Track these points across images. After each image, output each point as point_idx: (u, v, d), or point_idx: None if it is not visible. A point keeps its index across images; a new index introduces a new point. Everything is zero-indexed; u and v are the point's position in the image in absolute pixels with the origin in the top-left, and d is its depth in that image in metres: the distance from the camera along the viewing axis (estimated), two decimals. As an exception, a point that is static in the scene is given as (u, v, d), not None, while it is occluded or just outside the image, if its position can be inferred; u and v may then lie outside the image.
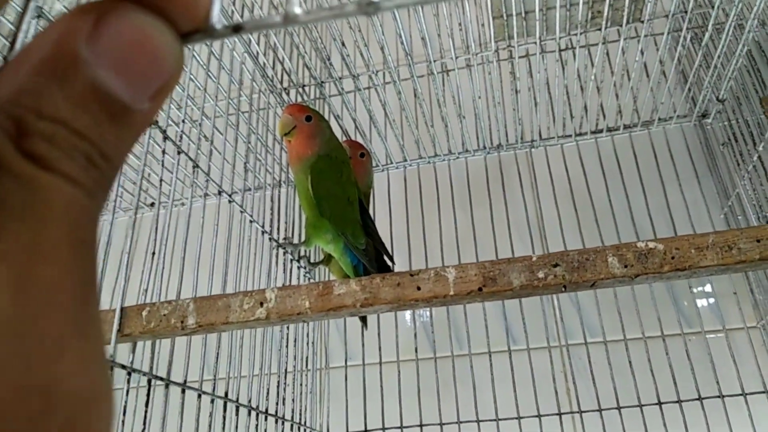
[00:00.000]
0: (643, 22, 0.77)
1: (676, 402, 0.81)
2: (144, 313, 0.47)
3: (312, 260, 0.95)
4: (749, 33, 0.79)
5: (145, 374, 0.49)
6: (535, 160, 1.05)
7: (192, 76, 0.73)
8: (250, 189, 0.83)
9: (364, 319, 0.87)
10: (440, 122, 0.98)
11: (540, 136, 1.03)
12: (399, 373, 0.92)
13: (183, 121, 0.63)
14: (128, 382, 0.47)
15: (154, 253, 0.53)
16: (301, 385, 0.86)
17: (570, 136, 1.03)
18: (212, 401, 0.59)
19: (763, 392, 0.81)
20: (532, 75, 0.94)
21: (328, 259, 0.86)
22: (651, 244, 0.39)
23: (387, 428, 0.88)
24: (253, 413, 0.68)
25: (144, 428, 0.49)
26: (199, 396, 0.57)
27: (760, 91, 0.82)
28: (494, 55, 0.83)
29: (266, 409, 0.71)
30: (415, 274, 0.42)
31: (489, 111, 1.00)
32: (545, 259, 0.40)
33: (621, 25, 0.76)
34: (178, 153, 0.60)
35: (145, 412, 0.49)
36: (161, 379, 0.51)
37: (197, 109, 0.91)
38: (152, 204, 1.20)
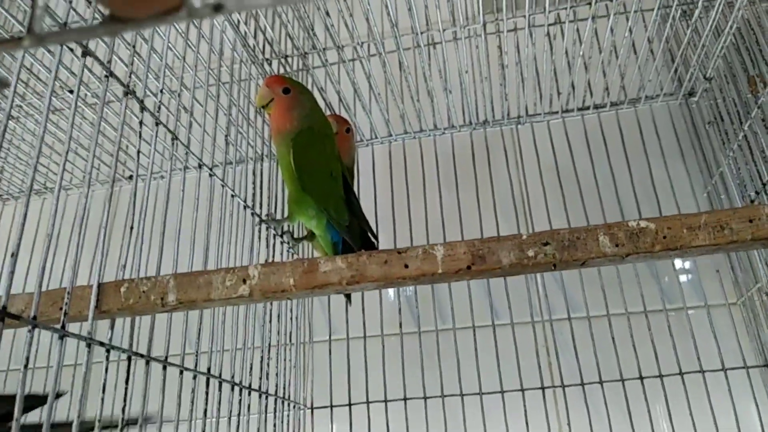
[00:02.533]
0: (633, -4, 0.75)
1: (657, 377, 0.82)
2: (122, 290, 0.45)
3: (295, 236, 0.94)
4: (738, 11, 0.78)
5: (124, 351, 0.48)
6: (521, 137, 1.04)
7: (171, 45, 0.71)
8: (231, 162, 0.81)
9: (348, 295, 0.86)
10: (426, 96, 0.97)
11: (527, 112, 1.02)
12: (383, 347, 0.92)
13: (161, 92, 0.61)
14: (107, 359, 0.46)
15: (132, 228, 0.51)
16: (284, 359, 0.85)
17: (557, 112, 1.02)
18: (194, 377, 0.58)
19: (743, 367, 0.82)
20: (520, 50, 0.92)
21: (311, 236, 0.84)
22: (642, 224, 0.38)
23: (371, 402, 0.89)
24: (236, 388, 0.67)
25: (124, 405, 0.48)
26: (181, 372, 0.56)
27: (749, 70, 0.82)
28: (482, 29, 0.82)
29: (249, 384, 0.70)
30: (402, 252, 0.42)
31: (476, 86, 0.99)
32: (535, 237, 0.40)
33: (611, 0, 0.75)
34: (156, 124, 0.58)
35: (125, 389, 0.48)
36: (141, 355, 0.50)
37: (176, 79, 0.88)
38: (130, 177, 1.18)
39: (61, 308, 0.44)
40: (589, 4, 0.77)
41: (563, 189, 0.96)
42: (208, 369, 0.60)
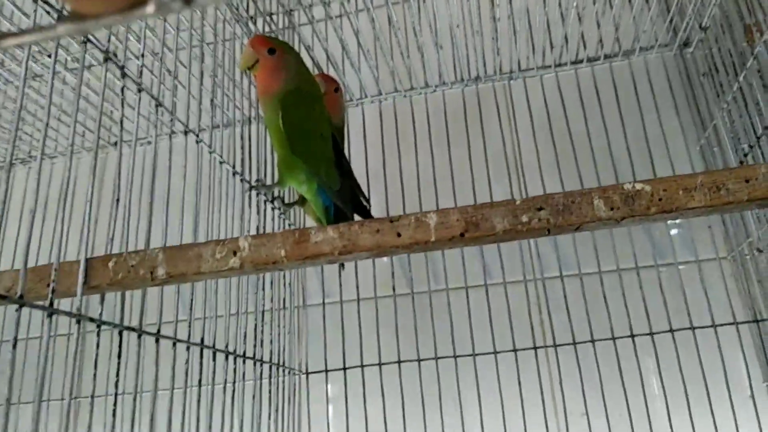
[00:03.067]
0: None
1: (648, 334, 0.83)
2: (111, 264, 0.44)
3: (286, 201, 0.93)
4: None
5: (116, 326, 0.47)
6: (513, 93, 1.02)
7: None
8: (218, 126, 0.79)
9: None
10: (416, 53, 0.94)
11: (519, 67, 1.00)
12: (377, 309, 0.92)
13: (143, 55, 0.59)
14: (98, 335, 0.46)
15: (117, 200, 0.50)
16: (279, 326, 0.85)
17: (549, 66, 1.00)
18: (188, 348, 0.58)
19: (732, 323, 0.83)
20: (512, 1, 0.89)
21: (302, 200, 0.83)
22: (638, 186, 0.38)
23: (366, 365, 0.89)
24: (231, 357, 0.67)
25: (117, 380, 0.48)
26: (174, 344, 0.55)
27: (746, 18, 0.80)
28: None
29: (244, 352, 0.71)
30: (395, 220, 0.41)
31: (467, 40, 0.96)
32: (529, 202, 0.39)
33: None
34: (139, 91, 0.56)
35: (118, 364, 0.48)
36: (133, 329, 0.49)
37: (158, 40, 0.85)
38: (116, 143, 1.15)
39: (48, 285, 0.43)
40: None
41: (556, 146, 0.95)
42: (202, 339, 0.60)
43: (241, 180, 0.77)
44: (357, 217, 0.81)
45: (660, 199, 0.37)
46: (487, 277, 0.93)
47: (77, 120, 1.04)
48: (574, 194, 0.38)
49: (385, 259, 1.00)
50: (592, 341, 0.85)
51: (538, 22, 0.89)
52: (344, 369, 0.89)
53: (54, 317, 0.41)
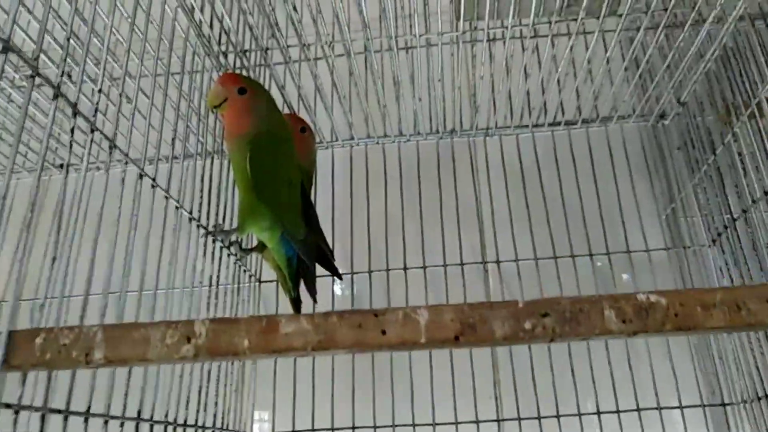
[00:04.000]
0: (620, 15, 0.71)
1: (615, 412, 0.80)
2: (38, 341, 0.37)
3: (243, 246, 0.87)
4: (723, 38, 0.75)
5: (38, 410, 0.40)
6: (489, 149, 0.99)
7: (114, 29, 0.62)
8: (176, 158, 0.72)
9: (295, 301, 0.78)
10: (393, 101, 0.91)
11: (496, 124, 0.98)
12: (332, 364, 0.86)
13: (100, 91, 0.52)
14: (15, 423, 0.38)
15: (54, 259, 0.43)
16: (225, 384, 0.78)
17: (527, 126, 0.98)
18: (122, 424, 0.51)
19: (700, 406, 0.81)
20: (496, 61, 0.87)
21: (261, 247, 0.77)
22: (653, 298, 0.34)
23: (317, 430, 0.83)
24: (170, 428, 0.60)
25: (36, 473, 0.40)
26: (106, 422, 0.48)
27: (727, 98, 0.80)
28: (460, 37, 0.76)
29: (185, 421, 0.63)
30: (379, 315, 0.36)
31: (444, 94, 0.93)
32: (533, 306, 0.35)
33: (597, 18, 0.71)
34: (92, 131, 0.50)
35: (39, 452, 0.40)
36: (58, 411, 0.42)
37: (118, 66, 0.79)
38: (61, 165, 1.06)
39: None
40: (575, 19, 0.72)
41: (529, 206, 0.93)
42: (139, 412, 0.53)
43: (198, 226, 0.71)
44: (319, 268, 0.75)
45: (676, 315, 0.34)
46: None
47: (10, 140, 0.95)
48: (582, 301, 0.34)
49: (339, 293, 0.94)
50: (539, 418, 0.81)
51: (519, 83, 0.87)
52: (294, 433, 0.82)
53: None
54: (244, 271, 0.88)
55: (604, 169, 0.95)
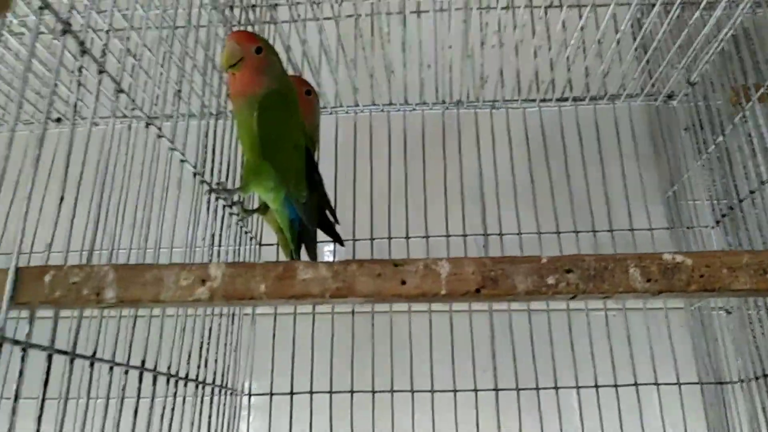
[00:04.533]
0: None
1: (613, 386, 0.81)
2: (47, 278, 0.36)
3: (246, 207, 0.86)
4: (737, 19, 0.75)
5: (44, 349, 0.39)
6: (495, 122, 0.98)
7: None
8: (183, 116, 0.71)
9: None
10: (400, 68, 0.89)
11: (503, 98, 0.97)
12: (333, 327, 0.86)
13: (108, 32, 0.51)
14: (23, 359, 0.37)
15: (62, 198, 0.42)
16: (225, 343, 0.77)
17: (534, 100, 0.97)
18: (126, 372, 0.50)
19: (698, 383, 0.81)
20: (502, 33, 0.86)
21: (264, 209, 0.77)
22: (678, 258, 0.34)
23: (315, 392, 0.83)
24: (172, 380, 0.59)
25: (41, 414, 0.39)
26: (111, 369, 0.48)
27: (738, 79, 0.79)
28: (476, 2, 0.75)
29: (186, 375, 0.63)
30: (399, 264, 0.35)
31: (453, 63, 0.92)
32: (556, 262, 0.34)
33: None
34: (100, 72, 0.48)
35: (44, 393, 0.40)
36: (65, 353, 0.42)
37: (121, 17, 0.76)
38: (58, 119, 1.04)
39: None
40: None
41: (534, 180, 0.92)
42: (142, 362, 0.52)
43: (201, 181, 0.69)
44: (320, 233, 0.75)
45: (702, 276, 0.33)
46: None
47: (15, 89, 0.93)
48: (607, 258, 0.34)
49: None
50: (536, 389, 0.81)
51: (529, 55, 0.86)
52: (291, 394, 0.82)
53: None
54: (245, 232, 0.87)
55: (610, 146, 0.94)
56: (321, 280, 0.35)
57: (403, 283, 0.35)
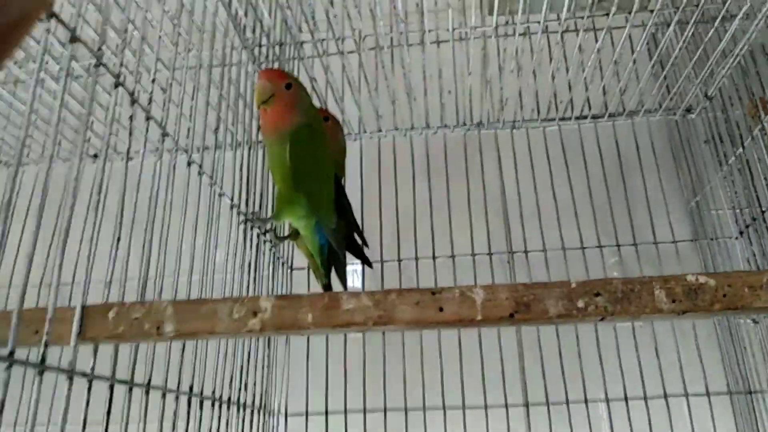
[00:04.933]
0: (652, 11, 0.72)
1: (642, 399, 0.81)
2: (111, 315, 0.40)
3: (278, 235, 0.89)
4: (752, 35, 0.76)
5: (107, 380, 0.42)
6: (516, 142, 1.01)
7: (152, 22, 0.64)
8: (218, 152, 0.74)
9: (327, 291, 0.80)
10: (422, 94, 0.92)
11: (523, 118, 0.99)
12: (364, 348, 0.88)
13: (153, 81, 0.55)
14: (89, 390, 0.40)
15: (119, 239, 0.45)
16: (263, 365, 0.80)
17: (553, 120, 0.99)
18: (176, 398, 0.53)
19: (727, 393, 0.82)
20: (526, 54, 0.88)
21: (295, 235, 0.80)
22: (702, 279, 0.36)
23: (350, 411, 0.85)
24: (217, 404, 0.62)
25: (104, 439, 0.42)
26: (164, 395, 0.50)
27: (756, 90, 0.80)
28: (493, 31, 0.77)
29: (229, 398, 0.65)
30: (437, 293, 0.38)
31: (471, 87, 0.95)
32: (585, 286, 0.36)
33: (630, 12, 0.72)
34: (147, 119, 0.52)
35: (107, 420, 0.43)
36: (125, 382, 0.45)
37: (155, 56, 0.80)
38: (95, 156, 1.09)
39: (37, 332, 0.38)
40: (606, 14, 0.73)
41: (556, 197, 0.94)
42: (190, 388, 0.55)
43: (238, 213, 0.73)
44: (349, 256, 0.78)
45: (724, 295, 0.35)
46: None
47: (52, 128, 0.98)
48: (633, 281, 0.36)
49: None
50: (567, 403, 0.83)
51: (547, 77, 0.88)
52: (326, 414, 0.84)
53: (44, 374, 0.36)
54: (278, 258, 0.91)
55: (631, 160, 0.96)
56: (364, 309, 0.38)
57: (441, 310, 0.37)
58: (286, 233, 0.86)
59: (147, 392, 0.48)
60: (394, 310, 0.37)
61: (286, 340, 0.92)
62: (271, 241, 0.85)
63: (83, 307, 0.40)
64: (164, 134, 0.55)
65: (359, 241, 0.82)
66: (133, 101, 0.49)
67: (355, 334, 0.90)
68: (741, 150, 0.83)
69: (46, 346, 0.37)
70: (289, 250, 0.97)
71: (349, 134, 1.02)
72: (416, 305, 0.37)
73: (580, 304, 0.36)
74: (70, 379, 0.38)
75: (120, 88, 0.48)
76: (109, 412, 0.43)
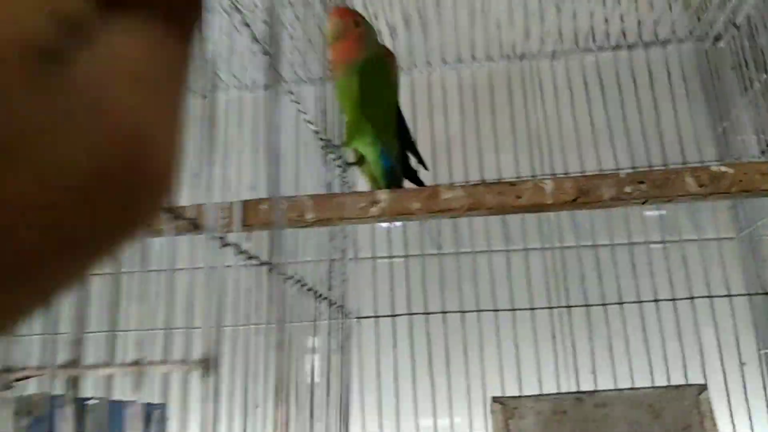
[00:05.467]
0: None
1: (653, 301, 0.94)
2: (262, 207, 0.52)
3: (347, 160, 1.01)
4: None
5: (263, 263, 0.55)
6: (556, 72, 1.10)
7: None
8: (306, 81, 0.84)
9: None
10: (466, 26, 1.01)
11: (562, 48, 1.08)
12: (407, 267, 1.01)
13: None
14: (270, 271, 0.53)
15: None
16: (340, 275, 0.94)
17: (591, 50, 1.08)
18: (300, 283, 0.66)
19: (746, 294, 0.94)
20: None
21: (361, 161, 0.91)
22: (723, 168, 0.46)
23: (414, 313, 0.99)
24: (312, 293, 0.76)
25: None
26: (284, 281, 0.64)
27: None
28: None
29: (321, 294, 0.79)
30: (514, 185, 0.49)
31: (514, 14, 1.02)
32: (632, 176, 0.47)
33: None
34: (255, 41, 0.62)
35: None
36: (267, 263, 0.57)
37: None
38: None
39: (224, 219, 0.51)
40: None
41: (593, 124, 1.04)
42: (295, 276, 0.69)
43: (320, 139, 0.84)
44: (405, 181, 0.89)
45: (740, 180, 0.46)
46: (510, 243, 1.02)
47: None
48: (669, 171, 0.47)
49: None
50: (603, 305, 0.95)
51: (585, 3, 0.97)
52: (393, 316, 0.98)
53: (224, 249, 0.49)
54: (344, 181, 1.03)
55: (663, 88, 1.04)
56: (458, 198, 0.49)
57: (518, 197, 0.49)
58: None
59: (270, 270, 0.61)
60: (483, 198, 0.49)
61: (356, 256, 1.06)
62: (341, 166, 0.97)
63: (243, 202, 0.52)
64: (272, 65, 0.66)
65: (415, 163, 0.92)
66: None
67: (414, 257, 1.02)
68: (765, 76, 0.91)
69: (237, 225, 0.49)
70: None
71: (401, 68, 1.12)
72: (499, 194, 0.49)
73: (628, 189, 0.47)
74: (241, 253, 0.51)
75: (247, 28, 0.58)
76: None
